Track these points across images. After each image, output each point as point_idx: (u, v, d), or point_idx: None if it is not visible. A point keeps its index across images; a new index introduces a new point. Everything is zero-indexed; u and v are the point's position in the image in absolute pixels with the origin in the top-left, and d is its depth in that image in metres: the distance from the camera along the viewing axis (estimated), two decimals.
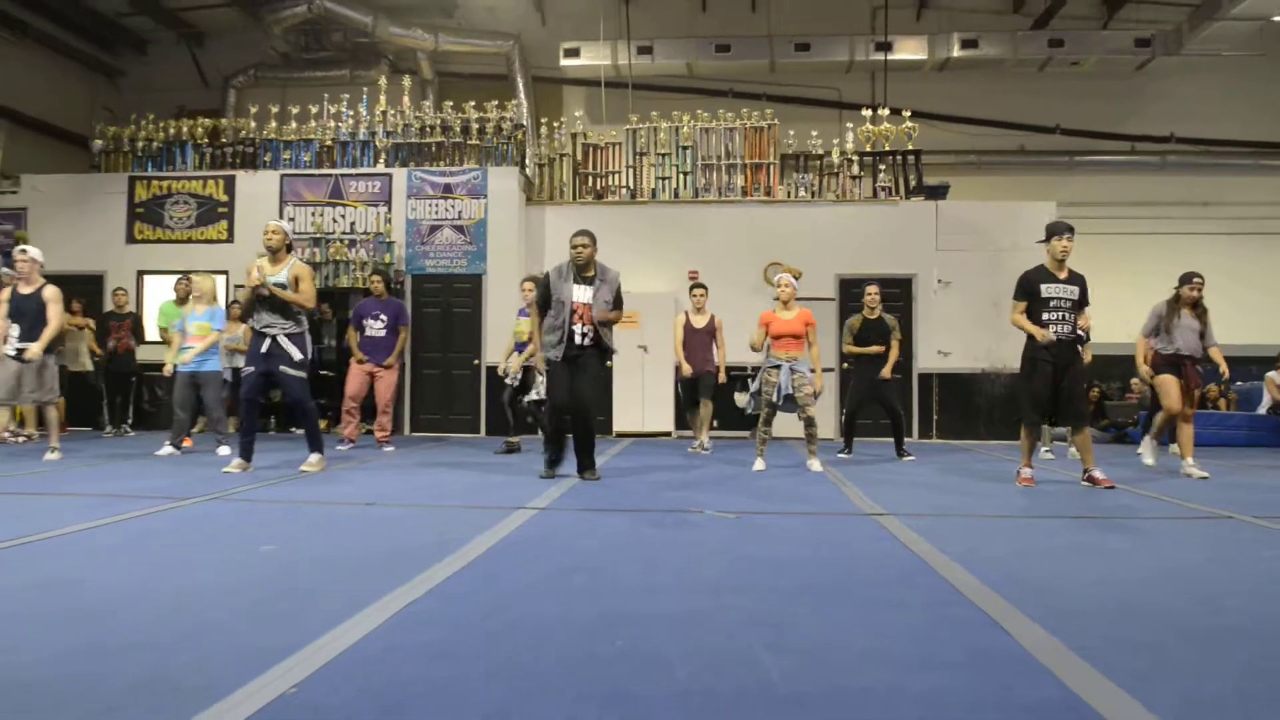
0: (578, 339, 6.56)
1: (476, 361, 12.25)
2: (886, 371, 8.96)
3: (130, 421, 11.32)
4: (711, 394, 9.53)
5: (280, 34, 15.01)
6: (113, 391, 11.25)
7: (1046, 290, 6.61)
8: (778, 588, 3.34)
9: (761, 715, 2.07)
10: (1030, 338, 6.65)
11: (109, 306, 11.65)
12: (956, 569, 3.60)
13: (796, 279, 8.27)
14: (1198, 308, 7.75)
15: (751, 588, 3.33)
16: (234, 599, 3.07)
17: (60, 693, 2.15)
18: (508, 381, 8.84)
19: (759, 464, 7.73)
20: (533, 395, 8.22)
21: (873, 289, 9.18)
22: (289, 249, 7.03)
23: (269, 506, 5.39)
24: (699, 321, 9.59)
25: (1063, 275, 6.65)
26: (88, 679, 2.25)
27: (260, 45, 15.43)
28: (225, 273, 12.13)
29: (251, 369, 6.82)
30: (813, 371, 7.74)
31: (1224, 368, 7.71)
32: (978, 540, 4.48)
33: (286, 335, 6.81)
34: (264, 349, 6.78)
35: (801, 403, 7.59)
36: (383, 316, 9.76)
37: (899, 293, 12.46)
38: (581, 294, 6.57)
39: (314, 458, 7.08)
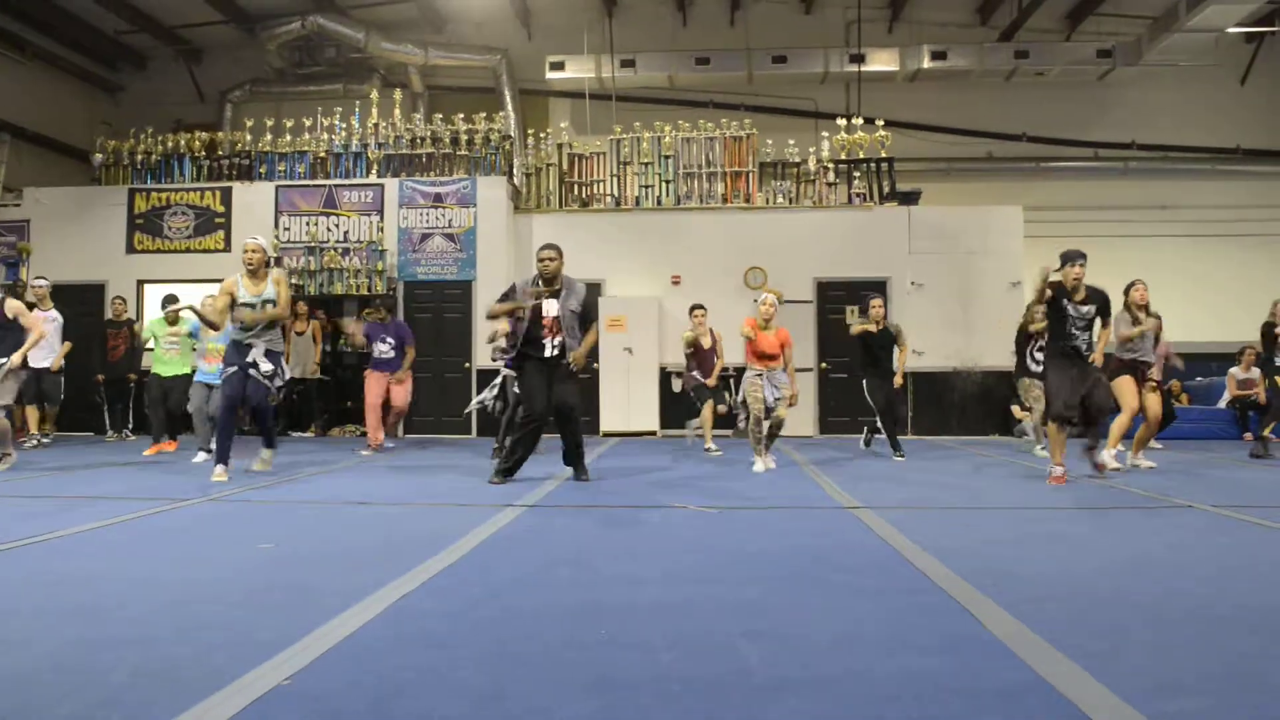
0: (548, 352, 6.41)
1: (467, 365, 12.23)
2: (899, 379, 8.87)
3: (130, 426, 11.25)
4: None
5: (275, 50, 14.94)
6: (112, 397, 11.18)
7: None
8: (756, 578, 3.35)
9: (740, 698, 2.09)
10: (1051, 339, 6.65)
11: (109, 315, 11.56)
12: (928, 558, 3.62)
13: (780, 301, 8.16)
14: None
15: (731, 578, 3.35)
16: (230, 594, 3.06)
17: (61, 685, 2.15)
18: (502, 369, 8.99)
19: (760, 464, 7.45)
20: (485, 396, 8.43)
21: (877, 302, 8.87)
22: (268, 264, 6.91)
23: (263, 507, 5.38)
24: (708, 341, 9.58)
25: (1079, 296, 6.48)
26: (87, 671, 2.24)
27: (256, 61, 15.34)
28: (221, 280, 12.01)
29: (234, 368, 6.66)
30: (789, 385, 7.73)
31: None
32: (948, 531, 4.50)
33: (267, 349, 6.74)
34: (246, 357, 6.68)
35: (778, 410, 7.60)
36: (389, 339, 9.71)
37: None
38: (549, 307, 6.40)
39: (265, 453, 7.13)
